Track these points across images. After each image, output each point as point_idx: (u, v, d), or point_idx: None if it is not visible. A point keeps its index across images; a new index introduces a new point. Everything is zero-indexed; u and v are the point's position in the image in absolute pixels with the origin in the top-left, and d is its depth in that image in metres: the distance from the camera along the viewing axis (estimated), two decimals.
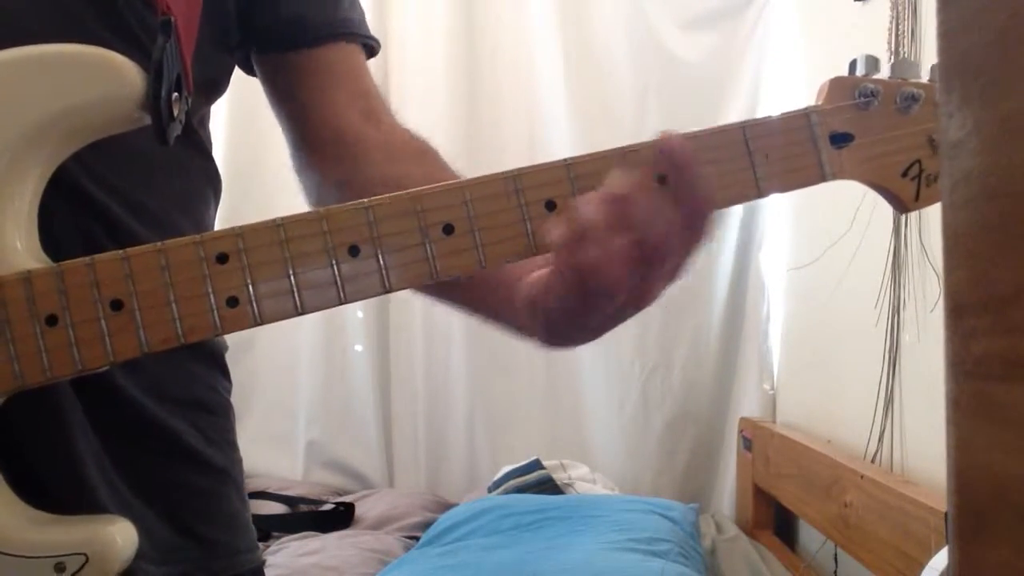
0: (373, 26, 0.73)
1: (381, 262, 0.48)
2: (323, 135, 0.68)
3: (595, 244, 0.46)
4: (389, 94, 2.48)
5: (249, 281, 0.47)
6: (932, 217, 1.44)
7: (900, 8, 1.53)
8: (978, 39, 0.28)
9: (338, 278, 0.47)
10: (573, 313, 0.49)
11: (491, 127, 2.39)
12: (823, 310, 1.91)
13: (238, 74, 0.71)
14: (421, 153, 0.68)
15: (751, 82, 2.26)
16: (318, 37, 0.67)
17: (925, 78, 0.56)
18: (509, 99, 2.41)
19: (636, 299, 0.48)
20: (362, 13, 0.72)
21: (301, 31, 0.67)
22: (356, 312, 2.44)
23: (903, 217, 1.53)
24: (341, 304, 0.48)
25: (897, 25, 1.53)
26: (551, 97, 2.37)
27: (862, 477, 1.51)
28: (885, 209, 0.57)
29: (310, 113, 0.68)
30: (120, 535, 0.48)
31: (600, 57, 2.35)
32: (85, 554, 0.46)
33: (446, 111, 2.39)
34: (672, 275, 0.49)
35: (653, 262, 0.47)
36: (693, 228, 0.48)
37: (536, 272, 0.52)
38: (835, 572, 1.75)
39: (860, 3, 1.70)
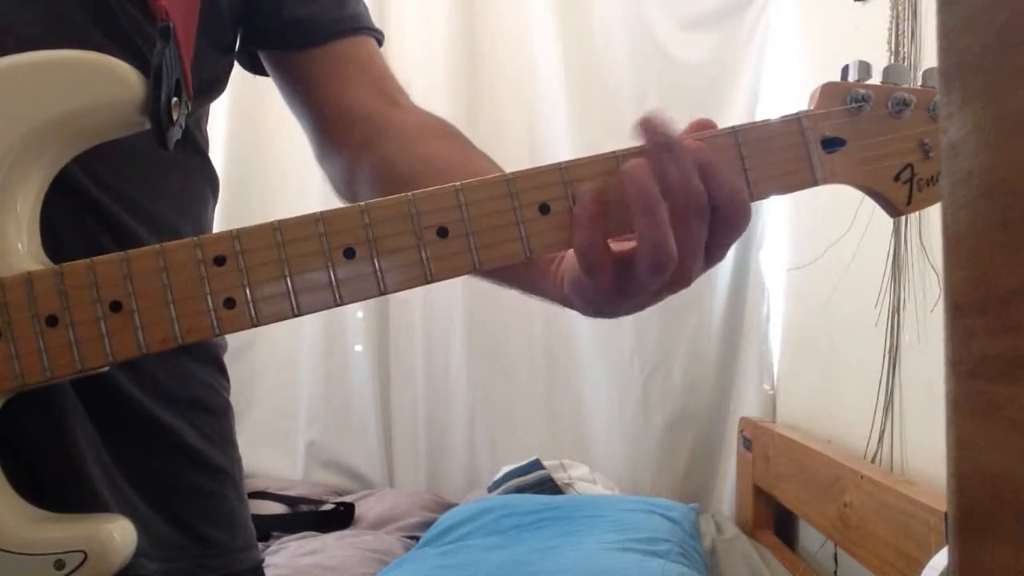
0: None
1: (376, 264, 0.48)
2: (346, 120, 0.68)
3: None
4: None
5: (246, 283, 0.47)
6: (932, 217, 1.43)
7: (900, 9, 1.53)
8: (978, 39, 0.28)
9: (334, 280, 0.48)
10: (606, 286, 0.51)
11: (491, 128, 2.38)
12: (823, 310, 1.91)
13: (238, 73, 0.71)
14: (446, 133, 0.69)
15: (751, 83, 2.26)
16: (329, 34, 0.68)
17: (917, 84, 0.57)
18: (509, 100, 2.41)
19: (679, 271, 0.52)
20: (365, 7, 0.73)
21: (310, 30, 0.67)
22: (356, 312, 2.44)
23: (903, 217, 1.53)
24: (337, 305, 0.48)
25: (897, 26, 1.53)
26: (551, 98, 2.37)
27: (862, 477, 1.50)
28: None
29: (330, 102, 0.69)
30: (119, 533, 0.48)
31: (600, 57, 2.35)
32: (84, 551, 0.46)
33: (446, 112, 2.38)
34: (711, 251, 0.53)
35: (686, 220, 0.50)
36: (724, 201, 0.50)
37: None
38: (835, 572, 1.74)
39: (860, 3, 1.70)
